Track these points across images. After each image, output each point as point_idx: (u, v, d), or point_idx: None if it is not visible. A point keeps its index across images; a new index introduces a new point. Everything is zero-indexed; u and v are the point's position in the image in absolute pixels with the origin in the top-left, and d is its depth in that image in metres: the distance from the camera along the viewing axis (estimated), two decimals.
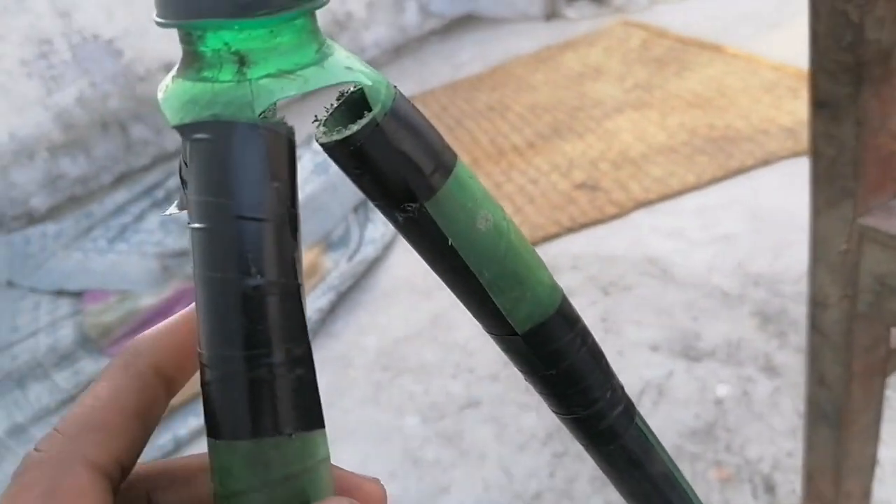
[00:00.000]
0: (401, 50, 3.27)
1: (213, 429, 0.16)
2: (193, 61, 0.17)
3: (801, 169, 0.55)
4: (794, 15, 2.15)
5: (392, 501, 0.93)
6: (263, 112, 0.16)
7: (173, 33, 0.17)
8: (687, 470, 0.99)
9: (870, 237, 0.52)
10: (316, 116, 0.19)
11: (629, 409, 0.25)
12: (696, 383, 1.13)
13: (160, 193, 2.26)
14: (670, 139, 1.73)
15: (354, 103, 0.19)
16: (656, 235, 1.47)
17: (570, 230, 1.54)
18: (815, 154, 0.53)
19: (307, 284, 1.56)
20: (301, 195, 1.54)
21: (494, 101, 2.30)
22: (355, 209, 1.86)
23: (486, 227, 0.21)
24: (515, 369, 0.24)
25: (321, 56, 0.18)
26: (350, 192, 1.90)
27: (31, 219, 2.63)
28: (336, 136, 0.18)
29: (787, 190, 1.47)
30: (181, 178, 0.19)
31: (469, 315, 0.23)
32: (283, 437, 0.16)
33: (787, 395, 1.07)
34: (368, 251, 1.66)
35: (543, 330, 0.22)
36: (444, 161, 0.20)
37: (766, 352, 1.15)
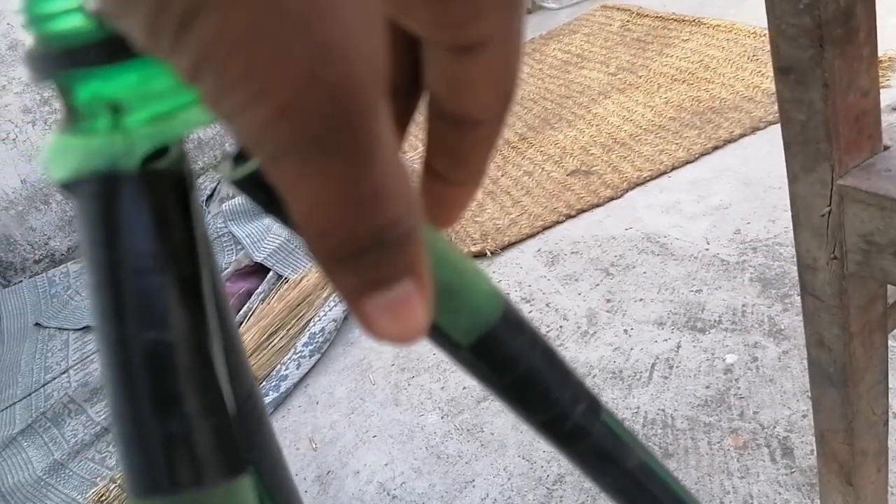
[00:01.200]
0: None
1: (132, 487, 0.16)
2: (70, 115, 0.16)
3: None
4: None
5: (419, 497, 0.99)
6: (152, 156, 0.16)
7: None
8: (703, 440, 1.01)
9: (851, 197, 0.53)
10: (221, 156, 0.19)
11: (593, 406, 0.24)
12: (704, 354, 1.15)
13: None
14: (658, 117, 1.76)
15: None
16: (652, 213, 1.50)
17: (569, 217, 1.57)
18: (785, 120, 0.54)
19: (321, 296, 1.61)
20: None
21: None
22: None
23: None
24: None
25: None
26: None
27: (53, 260, 2.71)
28: (241, 171, 0.18)
29: (777, 154, 1.48)
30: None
31: None
32: (204, 489, 0.16)
33: (796, 357, 1.09)
34: None
35: (489, 339, 0.22)
36: None
37: (771, 316, 1.17)
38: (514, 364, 0.22)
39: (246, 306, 1.69)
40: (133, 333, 0.15)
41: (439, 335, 0.21)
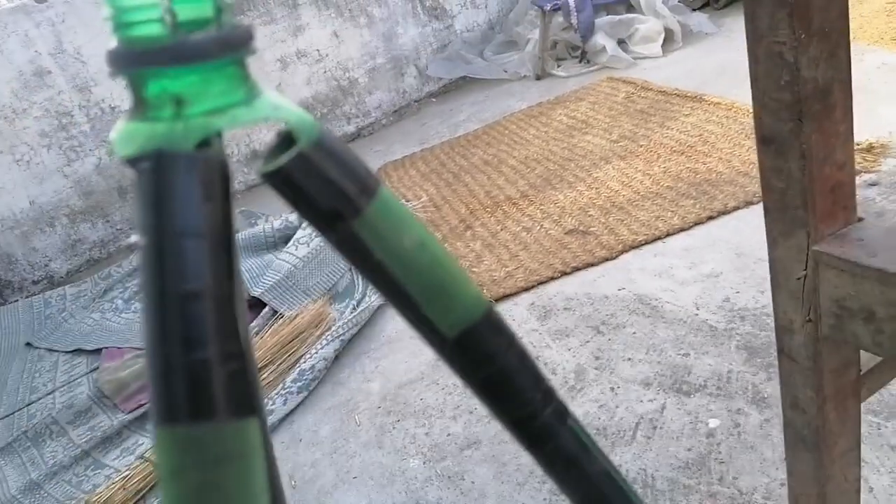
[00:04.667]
0: (402, 112, 3.42)
1: (157, 416, 0.18)
2: (139, 105, 0.20)
3: None
4: None
5: None
6: (201, 144, 0.19)
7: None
8: (681, 502, 1.02)
9: (825, 263, 0.55)
10: (255, 152, 0.23)
11: (561, 411, 0.26)
12: (687, 417, 1.16)
13: None
14: (655, 185, 1.81)
15: (288, 141, 0.22)
16: (645, 276, 1.53)
17: (564, 273, 1.60)
18: (766, 187, 0.57)
19: (314, 333, 1.62)
20: (306, 250, 1.61)
21: (490, 156, 2.41)
22: None
23: (411, 244, 0.23)
24: None
25: (249, 97, 0.20)
26: None
27: (51, 282, 2.73)
28: (270, 167, 0.21)
29: None
30: None
31: None
32: (217, 423, 0.18)
33: (777, 425, 1.10)
34: (373, 300, 1.72)
35: (471, 335, 0.24)
36: (368, 186, 0.22)
37: (755, 384, 1.18)
38: (492, 361, 0.24)
39: None
40: (173, 283, 0.18)
41: (427, 326, 0.24)
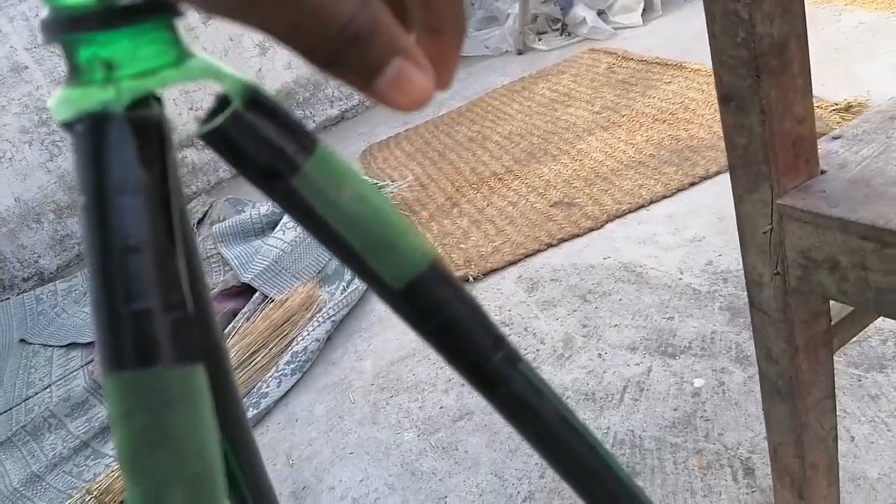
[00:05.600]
0: None
1: (105, 365, 0.19)
2: (73, 71, 0.20)
3: None
4: None
5: None
6: (135, 105, 0.20)
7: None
8: (669, 460, 1.04)
9: (789, 216, 0.57)
10: (197, 118, 0.22)
11: (511, 356, 0.27)
12: (673, 378, 1.19)
13: None
14: (638, 154, 1.82)
15: (228, 103, 0.22)
16: (630, 243, 1.55)
17: (550, 245, 1.62)
18: (730, 145, 0.59)
19: (305, 316, 1.63)
20: (294, 234, 1.61)
21: (474, 133, 2.41)
22: None
23: (350, 198, 0.23)
24: None
25: (180, 59, 0.21)
26: None
27: (42, 278, 2.73)
28: (206, 127, 0.22)
29: None
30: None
31: None
32: (161, 368, 0.19)
33: None
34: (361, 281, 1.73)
35: (418, 286, 0.24)
36: (305, 143, 0.23)
37: (738, 343, 1.21)
38: (439, 311, 0.25)
39: (230, 325, 1.71)
40: (112, 238, 0.19)
41: (374, 279, 0.24)
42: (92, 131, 0.19)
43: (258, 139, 0.22)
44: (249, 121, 0.22)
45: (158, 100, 0.21)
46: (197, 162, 3.00)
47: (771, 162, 0.56)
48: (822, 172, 0.59)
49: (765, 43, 0.52)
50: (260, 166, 0.22)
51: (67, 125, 0.20)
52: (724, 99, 0.56)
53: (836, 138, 0.63)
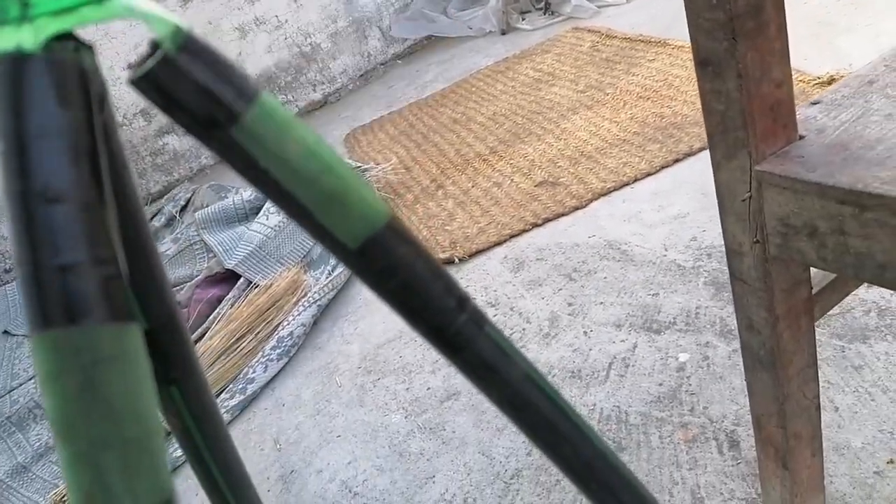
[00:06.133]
0: (368, 76, 3.37)
1: (31, 324, 0.18)
2: None
3: None
4: None
5: (381, 493, 1.02)
6: (49, 43, 0.18)
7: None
8: (654, 434, 1.04)
9: (767, 182, 0.56)
10: (129, 64, 0.21)
11: (476, 318, 0.26)
12: (658, 353, 1.19)
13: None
14: (623, 132, 1.82)
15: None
16: (614, 221, 1.54)
17: (535, 225, 1.61)
18: (707, 112, 0.58)
19: (290, 301, 1.62)
20: (277, 219, 1.60)
21: (458, 115, 2.39)
22: None
23: (296, 150, 0.22)
24: None
25: None
26: None
27: None
28: (136, 73, 0.20)
29: None
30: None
31: None
32: (92, 326, 0.18)
33: None
34: None
35: (374, 245, 0.23)
36: (245, 91, 0.21)
37: (722, 317, 1.21)
38: (398, 270, 0.24)
39: (215, 311, 1.70)
40: (32, 185, 0.18)
41: (327, 237, 0.23)
42: (8, 73, 0.18)
43: (192, 85, 0.20)
44: (182, 66, 0.20)
45: (89, 47, 0.20)
46: (178, 149, 2.96)
47: (749, 127, 0.55)
48: (801, 138, 0.58)
49: (740, 5, 0.51)
50: (196, 114, 0.21)
51: None
52: (702, 64, 0.55)
53: (814, 104, 0.62)
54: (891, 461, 0.87)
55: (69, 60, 0.19)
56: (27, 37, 0.18)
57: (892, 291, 1.09)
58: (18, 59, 0.18)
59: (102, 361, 0.18)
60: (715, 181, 0.61)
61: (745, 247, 0.63)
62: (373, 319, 1.56)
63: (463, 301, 0.26)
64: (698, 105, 1.77)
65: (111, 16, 0.20)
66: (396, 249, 0.24)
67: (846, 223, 0.52)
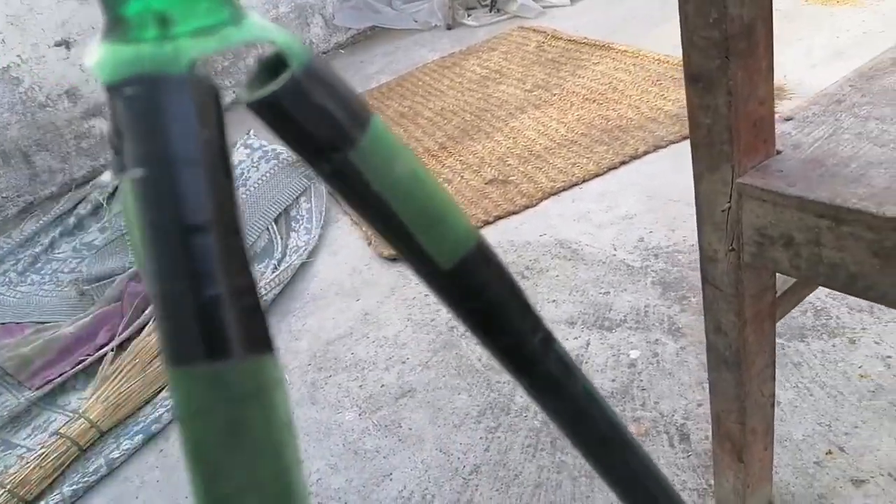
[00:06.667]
0: None
1: (170, 357, 0.17)
2: (117, 25, 0.18)
3: (688, 151, 0.63)
4: (674, 13, 2.33)
5: (336, 492, 1.00)
6: (189, 66, 0.18)
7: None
8: None
9: (748, 194, 0.59)
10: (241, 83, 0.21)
11: (548, 336, 0.27)
12: (610, 350, 1.22)
13: (71, 220, 2.19)
14: (570, 132, 1.86)
15: (273, 67, 0.20)
16: (565, 221, 1.58)
17: (486, 223, 1.63)
18: (694, 125, 0.60)
19: None
20: None
21: (405, 108, 2.38)
22: (276, 220, 1.88)
23: (404, 173, 0.22)
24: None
25: (236, 17, 0.19)
26: (269, 203, 1.92)
27: None
28: (258, 94, 0.19)
29: (677, 171, 1.61)
30: (113, 144, 0.19)
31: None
32: (235, 360, 0.17)
33: (692, 352, 1.18)
34: (293, 259, 1.68)
35: (465, 266, 0.24)
36: (362, 115, 0.22)
37: (670, 316, 1.26)
38: (484, 291, 0.25)
39: (147, 310, 1.62)
40: (178, 216, 0.17)
41: (421, 258, 0.24)
42: (148, 95, 0.17)
43: (315, 109, 0.20)
44: (306, 89, 0.20)
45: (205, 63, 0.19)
46: (106, 132, 2.80)
47: (734, 142, 0.58)
48: (778, 153, 0.62)
49: (735, 25, 0.53)
50: (315, 139, 0.20)
51: (113, 86, 0.18)
52: (693, 79, 0.57)
53: (787, 120, 0.65)
54: (829, 452, 0.94)
55: (206, 80, 0.18)
56: (168, 57, 0.17)
57: (827, 293, 1.17)
58: (158, 80, 0.17)
59: (247, 396, 0.17)
60: (695, 191, 0.64)
61: (721, 254, 0.66)
62: (322, 315, 1.54)
63: (537, 321, 0.27)
64: (642, 109, 1.83)
65: (249, 38, 0.19)
66: (484, 270, 0.25)
67: (822, 235, 0.55)
